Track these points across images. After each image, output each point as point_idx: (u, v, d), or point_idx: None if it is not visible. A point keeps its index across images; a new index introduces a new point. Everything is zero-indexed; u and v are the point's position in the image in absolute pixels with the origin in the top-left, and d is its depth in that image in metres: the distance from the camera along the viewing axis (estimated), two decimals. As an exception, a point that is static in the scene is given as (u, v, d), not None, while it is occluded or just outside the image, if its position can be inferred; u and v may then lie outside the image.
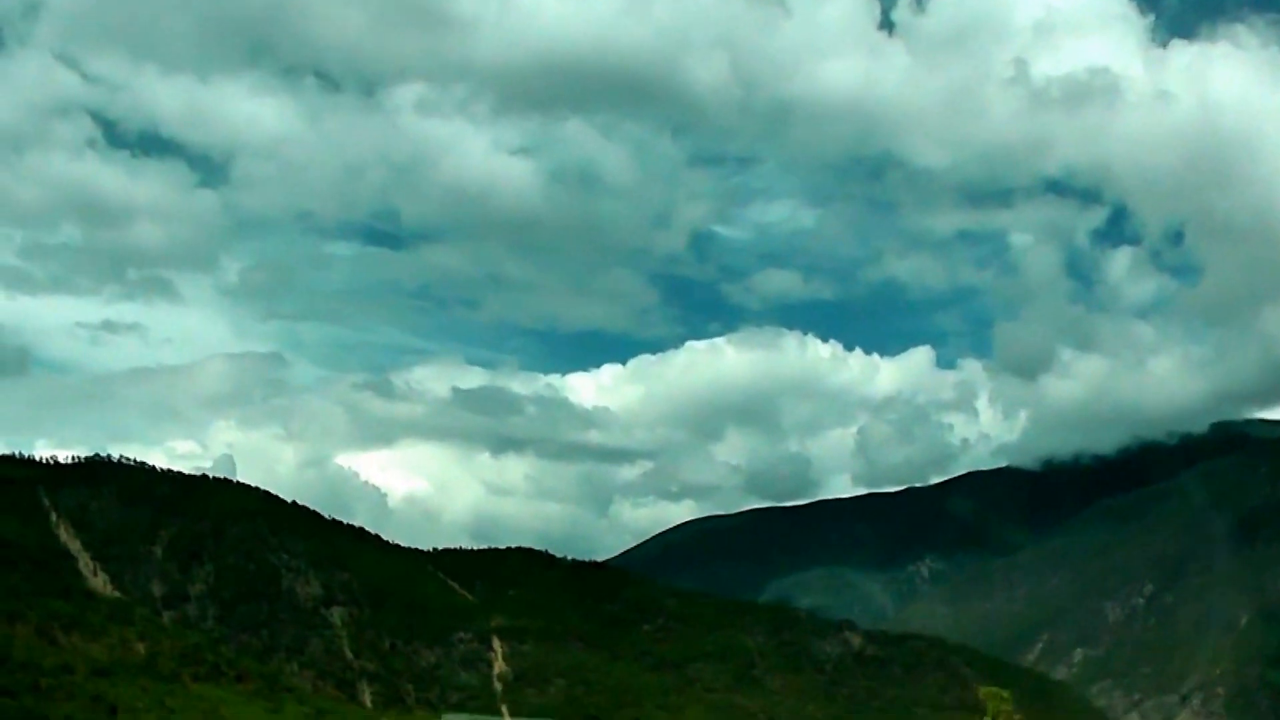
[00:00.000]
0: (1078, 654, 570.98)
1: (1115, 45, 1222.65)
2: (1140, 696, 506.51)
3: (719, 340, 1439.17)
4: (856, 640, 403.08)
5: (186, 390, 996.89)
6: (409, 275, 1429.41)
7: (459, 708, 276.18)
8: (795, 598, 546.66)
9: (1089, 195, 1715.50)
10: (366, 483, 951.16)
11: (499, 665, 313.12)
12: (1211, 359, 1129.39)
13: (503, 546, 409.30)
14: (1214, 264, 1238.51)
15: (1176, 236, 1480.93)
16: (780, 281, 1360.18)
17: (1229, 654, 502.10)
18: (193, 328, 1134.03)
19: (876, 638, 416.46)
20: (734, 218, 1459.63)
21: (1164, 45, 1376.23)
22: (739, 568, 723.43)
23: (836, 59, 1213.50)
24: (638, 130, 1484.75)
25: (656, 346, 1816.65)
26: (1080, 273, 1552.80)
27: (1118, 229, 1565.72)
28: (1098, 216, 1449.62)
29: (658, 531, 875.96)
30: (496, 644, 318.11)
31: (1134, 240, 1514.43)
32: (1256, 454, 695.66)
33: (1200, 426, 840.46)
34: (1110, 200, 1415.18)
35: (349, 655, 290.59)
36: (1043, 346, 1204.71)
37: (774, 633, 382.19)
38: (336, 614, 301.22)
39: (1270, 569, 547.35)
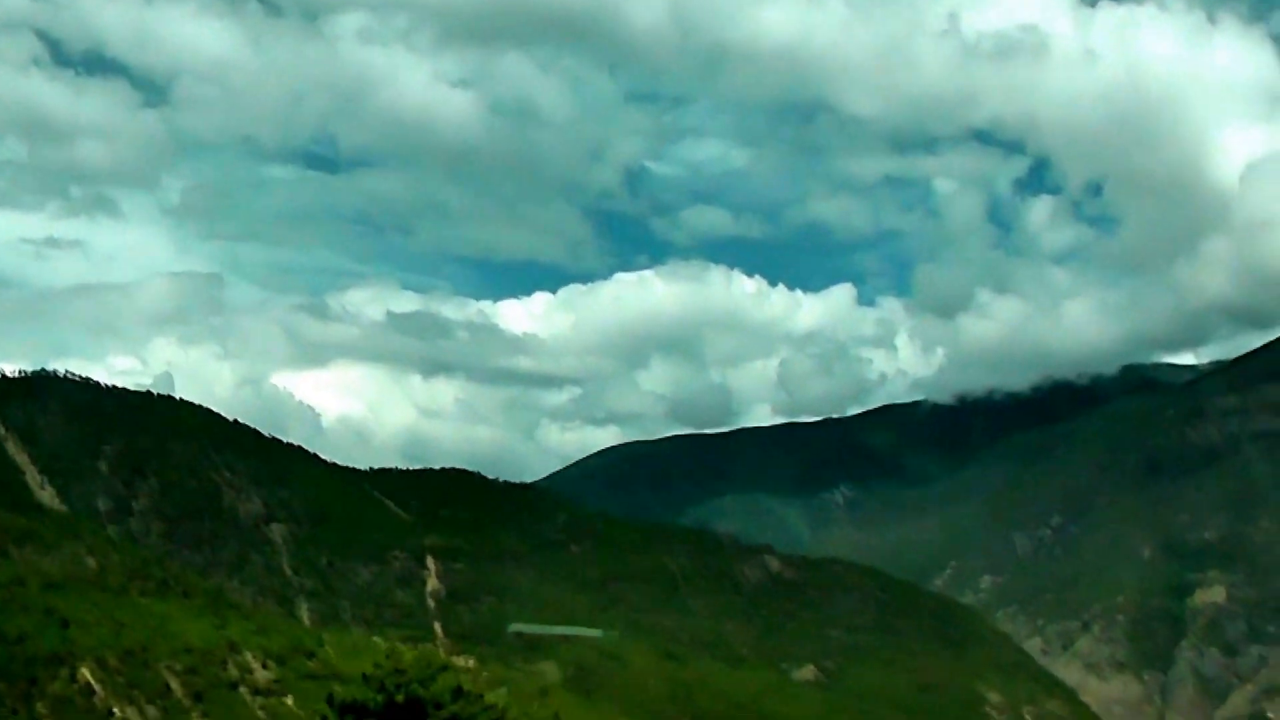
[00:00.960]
0: (985, 581, 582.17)
1: (1045, 4, 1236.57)
2: (1044, 622, 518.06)
3: (648, 273, 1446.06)
4: (775, 564, 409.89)
5: (128, 308, 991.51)
6: (347, 200, 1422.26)
7: (394, 625, 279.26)
8: (714, 523, 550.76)
9: (1013, 146, 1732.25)
10: (301, 403, 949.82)
11: (432, 583, 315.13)
12: (1124, 305, 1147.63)
13: (437, 468, 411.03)
14: (1131, 217, 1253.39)
15: (1096, 189, 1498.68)
16: (709, 218, 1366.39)
17: (1131, 584, 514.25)
18: (135, 246, 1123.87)
19: (794, 562, 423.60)
20: (666, 155, 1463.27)
21: (1092, 5, 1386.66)
22: (661, 493, 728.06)
23: (774, 6, 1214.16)
24: (576, 66, 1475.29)
25: (587, 277, 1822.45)
26: (1001, 219, 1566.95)
27: (1039, 179, 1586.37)
28: (1020, 167, 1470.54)
29: (583, 456, 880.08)
30: (430, 562, 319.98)
31: (1055, 191, 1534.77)
32: (1164, 397, 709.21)
33: (1110, 369, 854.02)
34: (1033, 152, 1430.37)
35: (288, 572, 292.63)
36: (961, 288, 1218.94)
37: (696, 556, 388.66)
38: (276, 531, 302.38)
39: (1173, 505, 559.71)
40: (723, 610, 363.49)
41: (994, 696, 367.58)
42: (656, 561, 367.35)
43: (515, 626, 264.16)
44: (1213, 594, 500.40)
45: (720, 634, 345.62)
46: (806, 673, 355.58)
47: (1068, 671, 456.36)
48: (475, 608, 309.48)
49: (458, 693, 43.66)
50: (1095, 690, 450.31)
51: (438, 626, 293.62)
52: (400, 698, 42.66)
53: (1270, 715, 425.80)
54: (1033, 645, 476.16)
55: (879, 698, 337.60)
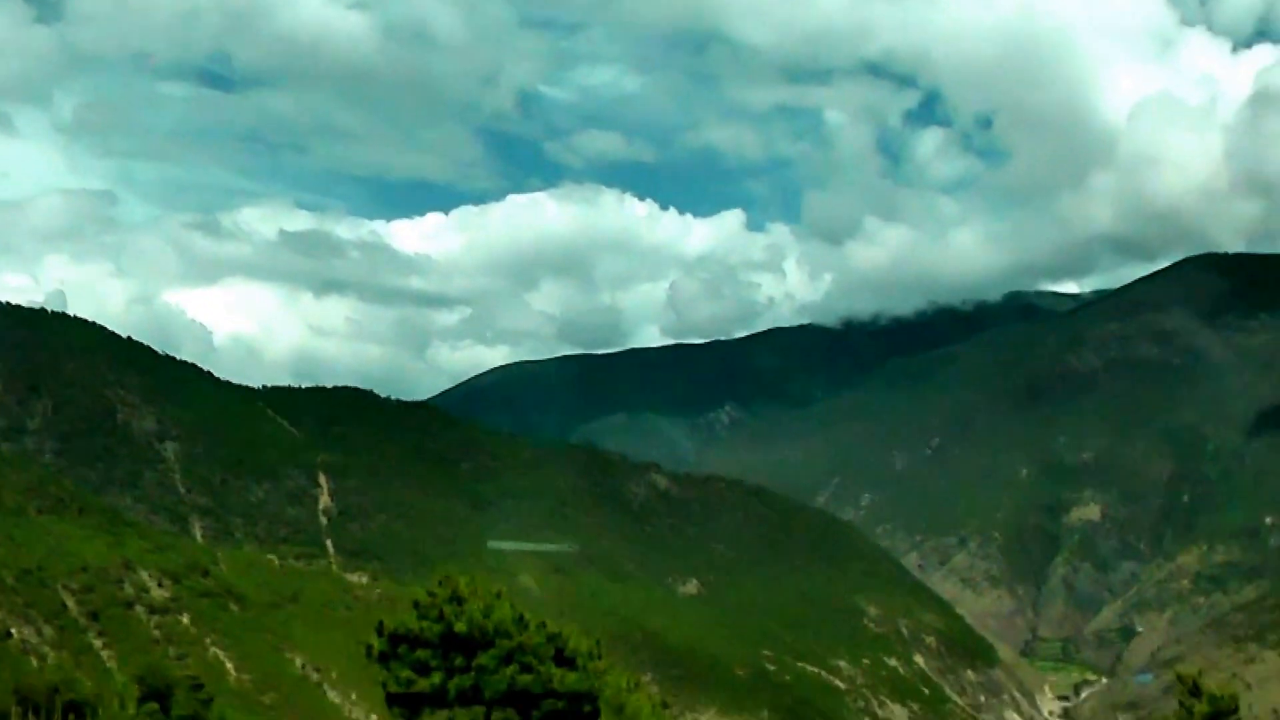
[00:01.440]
0: (865, 498, 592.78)
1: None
2: (921, 538, 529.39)
3: (540, 195, 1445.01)
4: (662, 482, 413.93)
5: (20, 224, 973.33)
6: (241, 119, 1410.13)
7: (286, 542, 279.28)
8: (603, 441, 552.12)
9: (905, 79, 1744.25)
10: (193, 320, 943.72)
11: (324, 501, 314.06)
12: (1010, 235, 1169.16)
13: (329, 386, 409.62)
14: (1020, 150, 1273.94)
15: (986, 122, 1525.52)
16: (602, 142, 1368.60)
17: (1007, 503, 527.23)
18: (27, 162, 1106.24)
19: (680, 479, 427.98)
20: (560, 80, 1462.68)
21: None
22: (550, 412, 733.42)
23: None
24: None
25: (479, 198, 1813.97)
26: (890, 150, 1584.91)
27: (930, 112, 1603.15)
28: (911, 99, 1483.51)
29: (473, 375, 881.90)
30: (322, 480, 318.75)
31: (945, 123, 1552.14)
32: (1045, 324, 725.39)
33: (994, 296, 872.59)
34: (925, 85, 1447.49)
35: (181, 489, 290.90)
36: (850, 215, 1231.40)
37: (585, 473, 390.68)
38: (170, 449, 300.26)
39: (1050, 428, 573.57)
40: (611, 527, 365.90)
41: (872, 609, 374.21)
42: (546, 479, 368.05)
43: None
44: (1087, 512, 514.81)
45: (608, 551, 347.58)
46: (690, 587, 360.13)
47: (944, 586, 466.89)
48: (366, 525, 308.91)
49: (520, 621, 40.89)
50: (970, 604, 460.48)
51: (329, 544, 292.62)
52: (461, 627, 39.69)
53: (1139, 628, 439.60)
54: (910, 561, 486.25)
55: (760, 611, 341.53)
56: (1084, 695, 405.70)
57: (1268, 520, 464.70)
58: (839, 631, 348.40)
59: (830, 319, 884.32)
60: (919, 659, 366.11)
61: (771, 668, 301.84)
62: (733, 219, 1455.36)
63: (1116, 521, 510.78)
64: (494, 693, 38.83)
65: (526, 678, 39.28)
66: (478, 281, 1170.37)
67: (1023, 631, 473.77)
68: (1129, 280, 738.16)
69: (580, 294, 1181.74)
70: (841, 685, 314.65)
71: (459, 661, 39.46)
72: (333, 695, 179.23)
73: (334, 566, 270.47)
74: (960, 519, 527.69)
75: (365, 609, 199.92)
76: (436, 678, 39.16)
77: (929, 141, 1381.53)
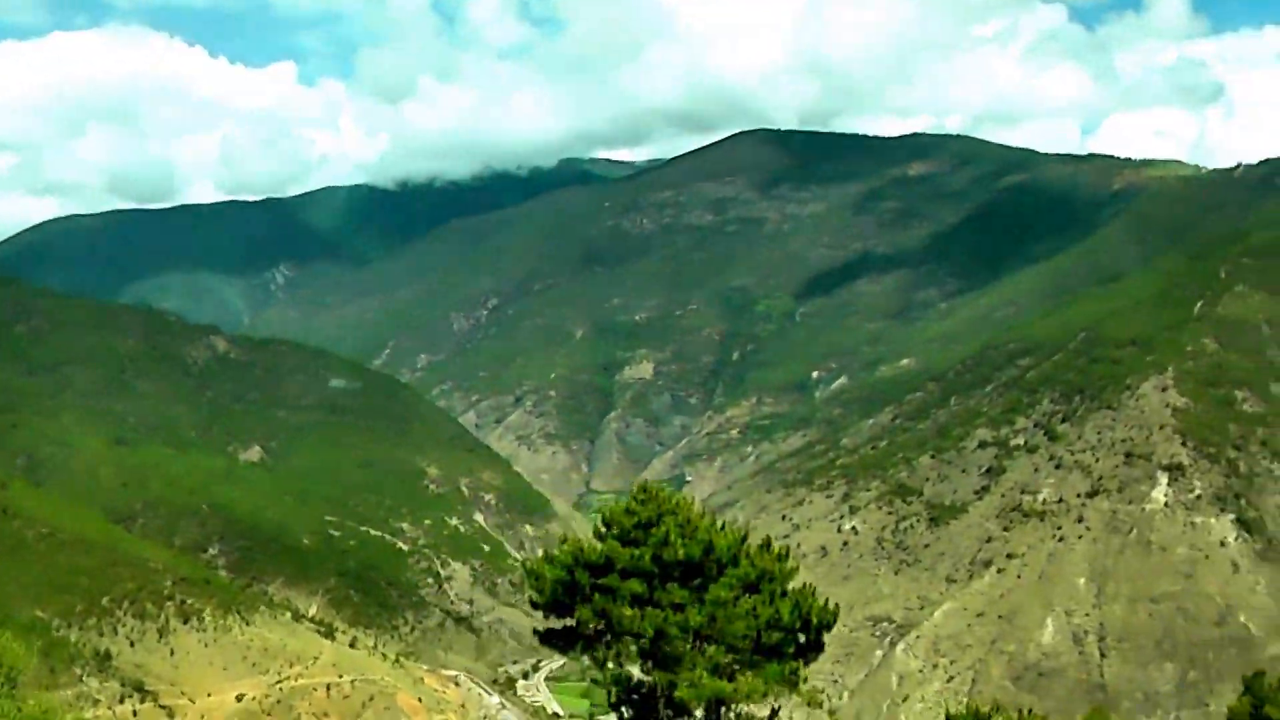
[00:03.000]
0: (423, 359, 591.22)
1: None
2: (479, 398, 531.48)
3: (87, 34, 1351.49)
4: (223, 345, 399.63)
5: None
6: None
7: None
8: (156, 300, 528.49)
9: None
10: None
11: None
12: (567, 103, 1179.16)
13: None
14: (577, 19, 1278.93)
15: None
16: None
17: (563, 362, 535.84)
18: None
19: (241, 342, 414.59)
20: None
21: None
22: (100, 269, 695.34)
23: None
24: None
25: (21, 33, 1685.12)
26: (446, 10, 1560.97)
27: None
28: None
29: (21, 229, 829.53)
30: None
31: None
32: (599, 190, 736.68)
33: (550, 161, 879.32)
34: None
35: None
36: (406, 75, 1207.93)
37: (144, 337, 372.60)
38: None
39: (604, 290, 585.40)
40: (172, 393, 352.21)
41: (433, 470, 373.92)
42: (104, 342, 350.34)
43: None
44: (641, 370, 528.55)
45: (169, 416, 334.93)
46: (253, 454, 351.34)
47: (501, 444, 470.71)
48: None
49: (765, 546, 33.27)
50: (526, 461, 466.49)
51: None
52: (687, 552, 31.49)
53: (689, 477, 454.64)
54: (468, 420, 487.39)
55: (323, 476, 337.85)
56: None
57: (815, 375, 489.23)
58: (401, 494, 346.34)
59: (386, 180, 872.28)
60: (479, 517, 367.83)
61: (336, 534, 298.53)
62: (285, 71, 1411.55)
63: (669, 378, 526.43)
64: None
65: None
66: (20, 124, 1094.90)
67: (577, 485, 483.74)
68: (684, 151, 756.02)
69: (130, 143, 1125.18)
70: (405, 547, 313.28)
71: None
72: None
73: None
74: (517, 378, 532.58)
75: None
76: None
77: (486, 4, 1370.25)
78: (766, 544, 33.71)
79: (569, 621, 32.74)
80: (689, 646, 31.03)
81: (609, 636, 31.88)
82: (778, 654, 31.99)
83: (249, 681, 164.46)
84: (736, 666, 31.40)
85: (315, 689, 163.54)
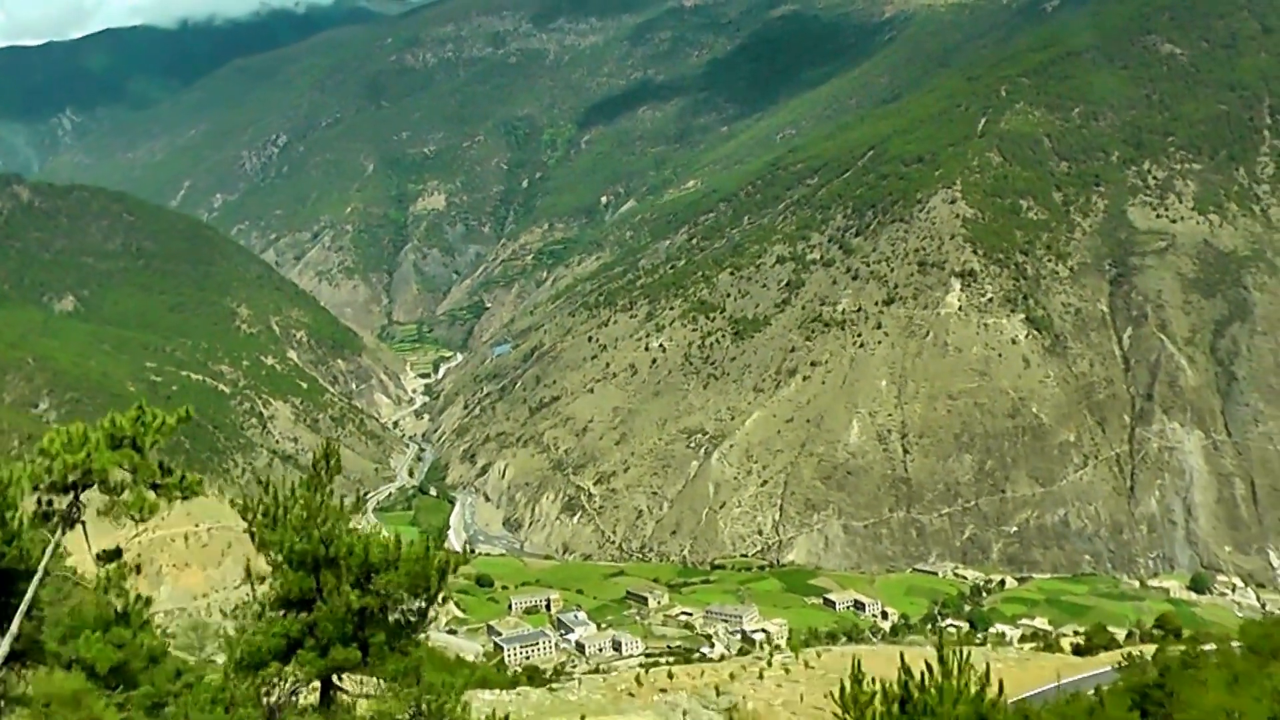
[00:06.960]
0: (218, 199, 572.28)
1: None
2: (276, 235, 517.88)
3: None
4: (26, 194, 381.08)
5: None
6: None
7: None
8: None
9: None
10: None
11: None
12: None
13: None
14: None
15: None
16: None
17: (356, 196, 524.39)
18: None
19: (44, 190, 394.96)
20: None
21: None
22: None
23: None
24: None
25: None
26: None
27: None
28: None
29: None
30: None
31: None
32: (379, 26, 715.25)
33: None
34: None
35: None
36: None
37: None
38: None
39: (392, 124, 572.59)
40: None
41: (243, 310, 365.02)
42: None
43: None
44: (433, 202, 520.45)
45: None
46: (67, 303, 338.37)
47: (302, 280, 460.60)
48: None
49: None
50: (328, 296, 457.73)
51: None
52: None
53: (487, 304, 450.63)
54: (268, 258, 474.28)
55: (136, 322, 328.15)
56: (444, 372, 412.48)
57: (603, 200, 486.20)
58: (214, 335, 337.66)
59: (166, 19, 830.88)
60: (293, 354, 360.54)
61: (159, 379, 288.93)
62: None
63: (461, 208, 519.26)
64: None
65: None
66: None
67: (379, 318, 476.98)
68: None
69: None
70: (226, 390, 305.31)
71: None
72: None
73: None
74: (312, 214, 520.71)
75: None
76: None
77: None
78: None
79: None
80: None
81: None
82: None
83: (104, 539, 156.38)
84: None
85: (173, 539, 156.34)
